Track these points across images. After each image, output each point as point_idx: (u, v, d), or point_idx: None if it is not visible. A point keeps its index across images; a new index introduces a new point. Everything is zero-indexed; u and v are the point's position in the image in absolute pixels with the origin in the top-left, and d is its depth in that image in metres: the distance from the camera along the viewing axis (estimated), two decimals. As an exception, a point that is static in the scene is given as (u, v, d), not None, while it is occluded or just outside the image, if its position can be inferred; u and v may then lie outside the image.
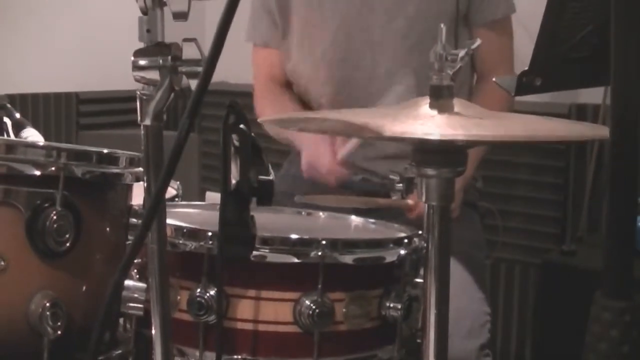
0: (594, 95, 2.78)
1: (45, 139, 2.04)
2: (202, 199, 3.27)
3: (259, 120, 1.35)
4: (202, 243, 1.36)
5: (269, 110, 2.14)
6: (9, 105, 2.04)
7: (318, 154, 1.92)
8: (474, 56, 2.10)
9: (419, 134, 1.11)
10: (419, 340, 1.40)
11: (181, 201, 1.81)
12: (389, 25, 2.02)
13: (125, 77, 1.13)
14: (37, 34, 3.52)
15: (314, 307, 1.35)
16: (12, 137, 1.96)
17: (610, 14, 0.76)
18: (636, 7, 0.75)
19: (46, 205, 1.25)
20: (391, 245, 1.44)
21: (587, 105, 2.89)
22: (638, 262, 0.82)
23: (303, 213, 1.74)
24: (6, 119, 2.00)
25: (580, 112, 2.89)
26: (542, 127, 1.23)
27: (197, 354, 1.37)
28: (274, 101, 2.17)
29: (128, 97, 3.68)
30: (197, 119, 3.93)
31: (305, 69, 2.12)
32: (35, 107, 3.60)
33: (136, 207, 1.42)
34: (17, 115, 2.03)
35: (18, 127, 2.01)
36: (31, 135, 2.01)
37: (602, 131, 1.17)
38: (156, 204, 1.07)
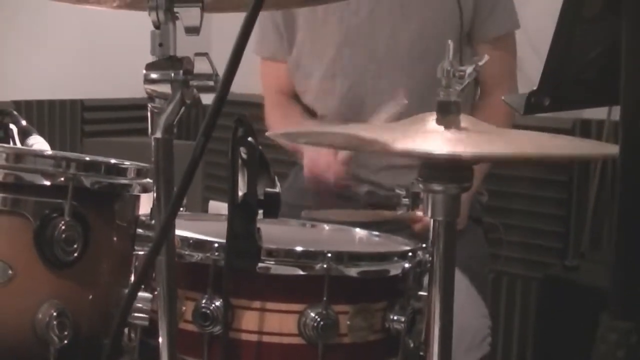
0: (598, 111, 2.78)
1: (50, 146, 2.04)
2: (205, 208, 3.28)
3: (267, 134, 1.36)
4: (208, 254, 1.36)
5: (280, 123, 2.15)
6: (15, 112, 2.05)
7: (320, 152, 1.95)
8: (478, 72, 2.11)
9: (427, 150, 1.12)
10: (422, 353, 1.40)
11: (185, 211, 1.82)
12: (393, 40, 2.03)
13: (130, 85, 1.14)
14: (43, 41, 3.54)
15: (318, 319, 1.35)
16: (18, 144, 1.97)
17: (620, 35, 0.76)
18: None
19: (54, 215, 1.25)
20: (395, 258, 1.44)
21: (591, 121, 2.89)
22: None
23: (308, 225, 1.74)
24: (12, 126, 2.01)
25: (584, 128, 2.90)
26: (549, 145, 1.24)
27: (202, 364, 1.38)
28: (285, 113, 2.19)
29: (133, 105, 3.71)
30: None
31: (311, 81, 2.13)
32: (40, 114, 3.61)
33: (143, 218, 1.42)
34: (23, 122, 2.04)
35: (24, 134, 2.01)
36: (37, 142, 2.01)
37: (609, 149, 1.18)
38: (168, 226, 1.07)
